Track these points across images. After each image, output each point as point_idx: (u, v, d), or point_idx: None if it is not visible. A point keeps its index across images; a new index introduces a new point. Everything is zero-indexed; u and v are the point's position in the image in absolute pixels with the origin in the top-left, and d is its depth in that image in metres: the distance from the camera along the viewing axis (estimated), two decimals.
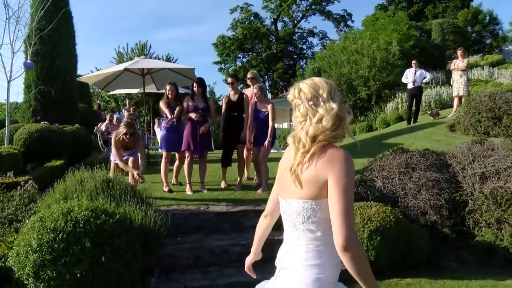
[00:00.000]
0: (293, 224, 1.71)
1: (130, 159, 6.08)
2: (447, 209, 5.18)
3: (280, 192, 1.83)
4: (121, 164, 5.77)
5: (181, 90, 12.70)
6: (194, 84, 6.54)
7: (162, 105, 6.59)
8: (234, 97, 6.71)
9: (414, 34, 24.62)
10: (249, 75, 7.38)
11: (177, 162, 6.81)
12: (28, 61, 9.79)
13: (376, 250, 4.27)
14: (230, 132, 6.61)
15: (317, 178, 1.62)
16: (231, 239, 4.80)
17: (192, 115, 6.31)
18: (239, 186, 6.65)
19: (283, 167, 1.80)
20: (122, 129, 5.87)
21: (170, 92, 6.53)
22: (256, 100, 6.57)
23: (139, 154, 6.03)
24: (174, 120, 6.45)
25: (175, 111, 6.50)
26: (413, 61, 11.53)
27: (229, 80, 6.85)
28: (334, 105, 1.67)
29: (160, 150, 7.05)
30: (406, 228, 4.65)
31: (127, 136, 5.82)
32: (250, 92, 7.11)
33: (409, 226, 4.76)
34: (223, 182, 6.86)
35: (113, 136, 6.05)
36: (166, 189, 6.42)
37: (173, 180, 6.95)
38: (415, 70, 11.22)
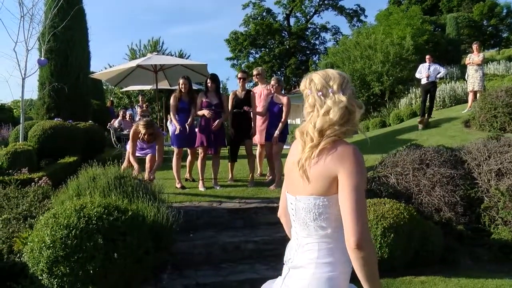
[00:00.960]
0: (304, 222, 1.65)
1: (148, 156, 6.11)
2: (462, 206, 5.12)
3: (288, 188, 1.76)
4: (131, 158, 5.81)
5: (194, 87, 12.78)
6: (208, 80, 6.54)
7: (172, 104, 6.50)
8: (241, 94, 6.74)
9: (428, 29, 24.28)
10: (255, 72, 7.41)
11: (189, 158, 6.84)
12: (42, 58, 9.89)
13: (390, 247, 4.23)
14: (237, 128, 6.65)
15: (326, 174, 1.57)
16: (244, 235, 4.80)
17: (205, 112, 6.32)
18: (252, 182, 6.66)
19: (290, 162, 1.75)
20: (141, 129, 5.83)
21: (183, 86, 6.51)
22: (272, 92, 6.61)
23: (157, 152, 6.03)
24: (182, 128, 6.40)
25: (189, 118, 6.48)
26: (427, 56, 11.37)
27: (240, 75, 6.86)
28: (343, 97, 1.61)
29: (172, 146, 7.06)
30: (420, 225, 4.59)
31: (146, 136, 5.85)
32: (260, 89, 7.14)
33: (423, 223, 4.71)
34: (230, 177, 6.93)
35: (133, 127, 6.11)
36: (178, 185, 6.44)
37: (187, 175, 6.99)
38: (429, 65, 11.06)
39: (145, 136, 5.84)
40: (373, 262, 1.52)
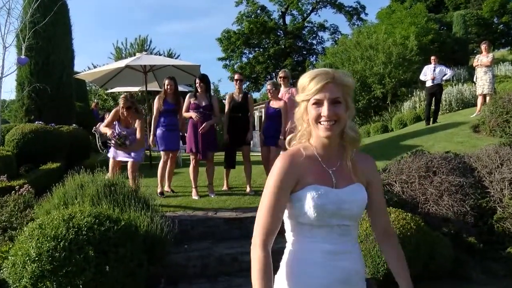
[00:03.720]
0: None
1: (130, 163, 6.15)
2: (473, 216, 5.14)
3: None
4: (104, 129, 6.06)
5: (185, 89, 12.79)
6: (197, 81, 6.56)
7: (155, 107, 6.62)
8: (238, 97, 6.78)
9: (433, 28, 24.52)
10: (282, 74, 7.49)
11: (169, 166, 6.71)
12: (22, 56, 9.85)
13: None
14: (234, 133, 6.68)
15: None
16: (241, 247, 4.79)
17: (192, 114, 6.36)
18: (250, 189, 6.69)
19: None
20: (120, 102, 6.17)
21: (169, 86, 6.59)
22: (270, 97, 6.76)
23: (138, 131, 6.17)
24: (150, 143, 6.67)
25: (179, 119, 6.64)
26: (432, 57, 11.51)
27: (237, 76, 6.94)
28: None
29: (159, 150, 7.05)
30: (428, 236, 4.62)
31: (125, 110, 6.02)
32: (282, 93, 7.20)
33: (431, 234, 4.73)
34: (225, 185, 6.94)
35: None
36: (159, 190, 6.46)
37: (166, 188, 6.79)
38: (435, 67, 11.19)
39: (124, 111, 6.01)
40: (253, 266, 1.62)
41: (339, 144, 1.72)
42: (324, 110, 1.61)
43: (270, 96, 6.76)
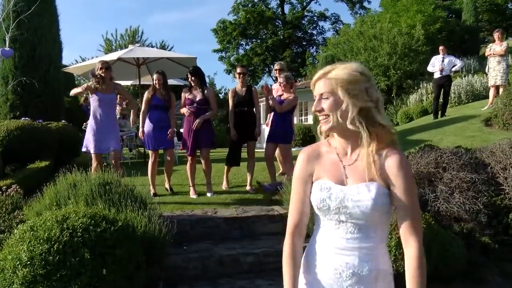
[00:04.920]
0: None
1: (112, 154, 6.23)
2: (486, 215, 5.13)
3: None
4: (74, 90, 6.26)
5: (181, 82, 12.77)
6: (189, 75, 6.58)
7: (144, 101, 6.68)
8: (241, 91, 6.78)
9: (441, 15, 24.33)
10: (277, 66, 7.56)
11: (150, 165, 6.71)
12: (7, 48, 9.78)
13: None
14: (241, 129, 6.70)
15: None
16: (242, 247, 4.83)
17: (183, 110, 6.39)
18: (251, 187, 6.70)
19: None
20: (97, 64, 6.32)
21: (157, 81, 6.61)
22: (281, 90, 6.79)
23: (130, 116, 6.50)
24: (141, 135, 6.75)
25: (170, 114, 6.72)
26: (440, 47, 11.51)
27: (239, 70, 6.95)
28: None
29: (147, 149, 7.06)
30: (439, 235, 4.63)
31: (104, 71, 6.11)
32: (278, 86, 7.27)
33: (442, 233, 4.74)
34: (224, 183, 6.97)
35: None
36: (152, 191, 6.48)
37: (166, 185, 6.87)
38: (443, 57, 11.20)
39: (102, 71, 6.11)
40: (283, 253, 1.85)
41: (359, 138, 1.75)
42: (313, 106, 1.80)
43: (281, 90, 6.82)
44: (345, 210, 1.70)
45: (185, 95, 6.51)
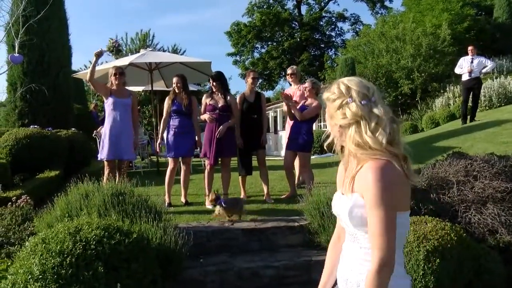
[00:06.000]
0: None
1: (126, 162, 6.42)
2: None
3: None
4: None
5: (194, 88, 12.86)
6: (211, 80, 6.63)
7: (165, 108, 6.71)
8: (250, 97, 6.85)
9: (470, 13, 23.80)
10: (289, 71, 7.64)
11: (183, 175, 6.73)
12: (16, 54, 9.93)
13: (436, 275, 4.19)
14: (248, 137, 6.72)
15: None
16: (262, 260, 4.80)
17: (205, 116, 6.44)
18: (268, 198, 6.70)
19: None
20: (111, 69, 6.53)
21: (176, 85, 6.63)
22: (306, 96, 6.85)
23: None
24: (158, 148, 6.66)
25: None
26: (469, 47, 11.40)
27: (253, 74, 6.97)
28: (387, 108, 1.82)
29: (167, 157, 7.09)
30: (472, 249, 4.55)
31: (117, 76, 6.31)
32: (293, 90, 7.29)
33: (475, 247, 4.66)
34: (242, 193, 6.96)
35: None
36: (167, 200, 6.51)
37: (182, 199, 6.78)
38: (472, 58, 11.10)
39: (116, 79, 6.32)
40: None
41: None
42: None
43: (306, 95, 6.85)
44: (340, 217, 1.97)
45: (206, 101, 6.54)
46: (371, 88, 1.83)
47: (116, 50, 6.21)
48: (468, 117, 11.50)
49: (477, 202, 5.26)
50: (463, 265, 4.34)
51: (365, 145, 1.78)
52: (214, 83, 6.53)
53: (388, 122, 1.78)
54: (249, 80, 6.92)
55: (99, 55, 6.25)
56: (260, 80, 40.13)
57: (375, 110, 1.78)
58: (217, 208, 5.54)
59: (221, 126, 6.37)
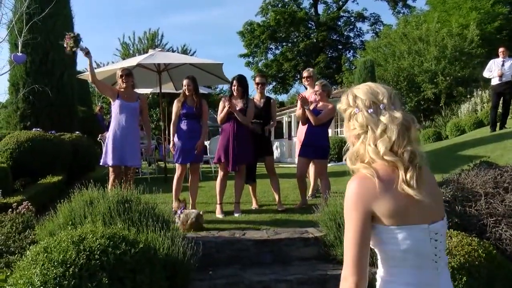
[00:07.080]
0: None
1: (132, 168, 6.48)
2: None
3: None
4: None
5: (204, 90, 12.89)
6: (234, 83, 6.66)
7: (174, 111, 6.74)
8: (260, 102, 6.93)
9: (501, 12, 23.40)
10: (305, 74, 7.68)
11: (191, 183, 6.79)
12: (19, 53, 10.03)
13: None
14: (256, 143, 6.74)
15: None
16: (274, 273, 4.77)
17: (226, 106, 6.47)
18: (281, 206, 6.70)
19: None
20: (118, 71, 6.67)
21: (187, 87, 6.67)
22: (316, 100, 6.83)
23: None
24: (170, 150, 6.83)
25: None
26: (500, 49, 11.27)
27: (258, 79, 7.08)
28: (397, 113, 1.77)
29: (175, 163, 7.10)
30: (504, 267, 4.48)
31: (124, 77, 6.43)
32: (309, 94, 7.30)
33: (507, 264, 4.59)
34: (254, 202, 6.99)
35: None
36: (174, 205, 6.47)
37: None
38: (503, 61, 10.98)
39: (123, 81, 6.43)
40: None
41: None
42: None
43: (317, 99, 6.85)
44: None
45: (224, 104, 6.57)
46: (383, 93, 1.82)
47: (75, 41, 6.23)
48: (498, 124, 11.35)
49: (508, 216, 5.18)
50: (493, 283, 4.27)
51: (363, 157, 1.79)
52: (238, 88, 6.58)
53: (396, 128, 1.74)
54: (255, 86, 7.07)
55: (86, 54, 6.35)
56: (274, 83, 40.20)
57: (382, 118, 1.77)
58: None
59: (234, 105, 6.46)
